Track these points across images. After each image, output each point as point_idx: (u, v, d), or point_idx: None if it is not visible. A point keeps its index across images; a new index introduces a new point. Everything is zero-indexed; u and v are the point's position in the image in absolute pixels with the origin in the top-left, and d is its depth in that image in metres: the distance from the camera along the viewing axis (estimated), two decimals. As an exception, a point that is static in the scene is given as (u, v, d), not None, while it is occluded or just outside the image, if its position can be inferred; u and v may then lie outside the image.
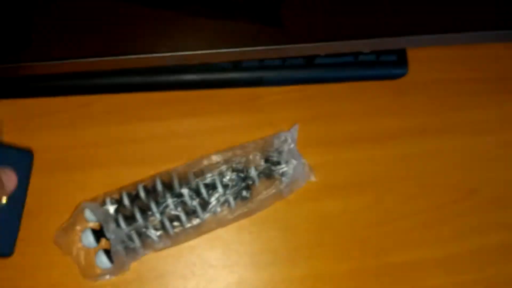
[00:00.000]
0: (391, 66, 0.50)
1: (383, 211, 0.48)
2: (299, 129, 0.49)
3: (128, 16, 0.38)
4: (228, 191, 0.44)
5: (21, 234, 0.42)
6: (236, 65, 0.48)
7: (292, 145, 0.45)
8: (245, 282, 0.45)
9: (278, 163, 0.45)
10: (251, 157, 0.45)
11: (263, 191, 0.45)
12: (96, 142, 0.47)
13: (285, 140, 0.45)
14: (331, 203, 0.48)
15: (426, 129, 0.51)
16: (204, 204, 0.43)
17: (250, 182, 0.44)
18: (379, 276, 0.46)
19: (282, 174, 0.45)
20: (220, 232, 0.45)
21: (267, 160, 0.45)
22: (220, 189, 0.43)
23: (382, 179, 0.49)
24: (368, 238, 0.47)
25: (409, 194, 0.49)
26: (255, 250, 0.46)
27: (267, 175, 0.45)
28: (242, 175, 0.44)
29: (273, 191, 0.45)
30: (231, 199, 0.44)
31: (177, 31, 0.41)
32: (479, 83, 0.53)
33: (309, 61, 0.49)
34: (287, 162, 0.45)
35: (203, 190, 0.43)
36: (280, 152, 0.45)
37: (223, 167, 0.44)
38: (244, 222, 0.46)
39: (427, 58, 0.52)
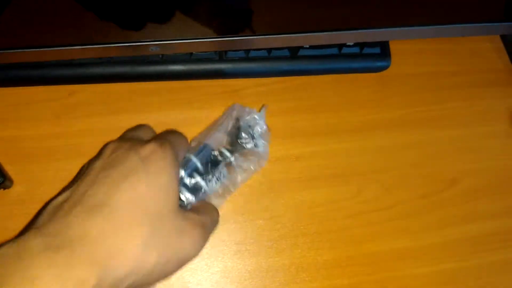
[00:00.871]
0: (375, 58, 0.51)
1: (365, 201, 0.48)
2: (284, 120, 0.49)
3: (110, 4, 0.39)
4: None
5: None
6: (221, 56, 0.49)
7: (263, 126, 0.45)
8: (230, 271, 0.45)
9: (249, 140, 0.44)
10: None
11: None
12: (80, 132, 0.47)
13: (255, 120, 0.45)
14: (314, 193, 0.48)
15: (408, 121, 0.51)
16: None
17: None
18: (362, 265, 0.47)
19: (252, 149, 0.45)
20: (205, 221, 0.46)
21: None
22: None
23: (365, 170, 0.49)
24: (351, 228, 0.48)
25: (391, 184, 0.49)
26: (240, 239, 0.46)
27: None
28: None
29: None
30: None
31: (161, 19, 0.41)
32: (459, 76, 0.54)
33: (293, 53, 0.50)
34: (256, 141, 0.44)
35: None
36: (250, 131, 0.45)
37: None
38: (229, 212, 0.46)
39: (409, 52, 0.53)
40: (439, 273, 0.47)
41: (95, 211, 0.30)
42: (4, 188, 0.44)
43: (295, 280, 0.45)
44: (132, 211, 0.31)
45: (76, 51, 0.42)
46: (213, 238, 0.45)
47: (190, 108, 0.49)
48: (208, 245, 0.45)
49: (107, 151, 0.35)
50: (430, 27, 0.45)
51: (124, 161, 0.33)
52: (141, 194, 0.32)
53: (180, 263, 0.34)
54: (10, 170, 0.45)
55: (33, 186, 0.45)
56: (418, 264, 0.47)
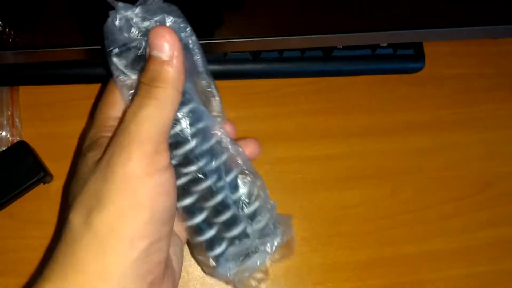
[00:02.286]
0: (408, 60, 0.51)
1: (399, 202, 0.48)
2: (317, 120, 0.49)
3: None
4: None
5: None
6: (255, 56, 0.49)
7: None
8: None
9: None
10: None
11: None
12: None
13: None
14: (348, 193, 0.48)
15: (442, 123, 0.51)
16: None
17: None
18: (396, 266, 0.46)
19: None
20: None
21: None
22: None
23: (398, 172, 0.49)
24: (385, 229, 0.47)
25: (425, 186, 0.49)
26: (273, 237, 0.46)
27: None
28: None
29: None
30: None
31: (196, 18, 0.41)
32: (494, 78, 0.53)
33: (327, 54, 0.50)
34: None
35: None
36: None
37: None
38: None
39: (443, 53, 0.53)
40: (473, 276, 0.47)
41: None
42: (44, 183, 0.45)
43: (328, 279, 0.45)
44: None
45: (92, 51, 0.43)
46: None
47: (224, 108, 0.50)
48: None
49: None
50: (464, 28, 0.45)
51: None
52: None
53: None
54: (49, 165, 0.46)
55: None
56: (453, 266, 0.47)
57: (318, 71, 0.50)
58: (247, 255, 0.35)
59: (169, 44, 0.30)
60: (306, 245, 0.46)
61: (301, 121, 0.50)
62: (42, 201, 0.45)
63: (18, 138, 0.46)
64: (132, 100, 0.31)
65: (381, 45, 0.50)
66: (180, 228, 0.36)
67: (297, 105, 0.50)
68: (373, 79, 0.52)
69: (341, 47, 0.50)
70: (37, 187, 0.45)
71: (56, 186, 0.46)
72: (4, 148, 0.45)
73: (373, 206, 0.48)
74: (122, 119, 0.30)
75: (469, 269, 0.47)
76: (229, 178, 0.35)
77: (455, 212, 0.48)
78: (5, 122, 0.47)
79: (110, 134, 0.33)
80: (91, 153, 0.32)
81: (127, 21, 0.31)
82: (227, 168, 0.35)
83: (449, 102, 0.52)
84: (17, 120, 0.47)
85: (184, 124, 0.32)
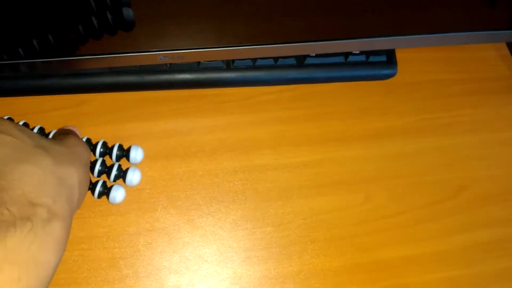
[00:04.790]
0: (381, 66, 0.51)
1: (373, 208, 0.48)
2: (291, 127, 0.50)
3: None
4: None
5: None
6: (228, 65, 0.49)
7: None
8: (240, 277, 0.45)
9: None
10: None
11: None
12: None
13: None
14: (322, 200, 0.48)
15: (415, 128, 0.51)
16: None
17: None
18: (371, 271, 0.46)
19: None
20: (215, 228, 0.46)
21: None
22: None
23: (372, 178, 0.49)
24: (359, 235, 0.47)
25: (399, 192, 0.49)
26: (249, 246, 0.46)
27: None
28: None
29: None
30: None
31: (170, 29, 0.41)
32: (466, 83, 0.54)
33: (300, 61, 0.50)
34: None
35: None
36: None
37: None
38: (238, 218, 0.46)
39: (416, 59, 0.54)
40: (448, 280, 0.47)
41: None
42: None
43: (304, 287, 0.45)
44: None
45: (86, 61, 0.43)
46: (222, 245, 0.46)
47: (197, 116, 0.50)
48: (217, 252, 0.45)
49: None
50: (436, 35, 0.45)
51: None
52: None
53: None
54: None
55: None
56: (427, 271, 0.47)
57: (292, 79, 0.51)
58: None
59: None
60: (282, 254, 0.46)
61: (275, 128, 0.50)
62: None
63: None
64: None
65: (353, 52, 0.51)
66: None
67: (271, 113, 0.50)
68: (347, 86, 0.52)
69: (314, 54, 0.50)
70: None
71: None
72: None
73: (347, 212, 0.48)
74: None
75: (445, 273, 0.47)
76: None
77: (430, 216, 0.49)
78: None
79: None
80: None
81: None
82: None
83: (422, 107, 0.52)
84: None
85: None
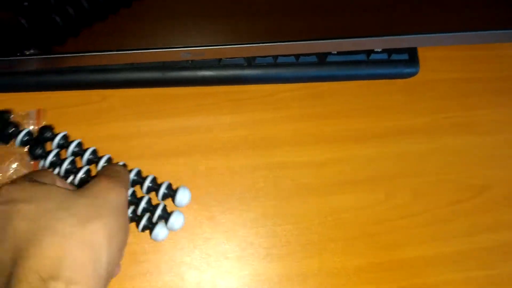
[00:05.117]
0: (402, 65, 0.51)
1: (393, 207, 0.48)
2: (312, 125, 0.49)
3: (142, 11, 0.39)
4: None
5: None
6: (250, 62, 0.49)
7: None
8: (260, 274, 0.45)
9: None
10: None
11: None
12: (111, 136, 0.48)
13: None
14: (342, 199, 0.48)
15: (436, 127, 0.51)
16: None
17: None
18: (390, 270, 0.46)
19: None
20: (236, 225, 0.46)
21: None
22: None
23: (393, 176, 0.49)
24: (379, 234, 0.47)
25: (420, 191, 0.49)
26: (269, 243, 0.46)
27: None
28: None
29: None
30: None
31: (192, 25, 0.41)
32: (488, 82, 0.53)
33: (321, 59, 0.50)
34: None
35: None
36: None
37: None
38: (258, 216, 0.46)
39: (438, 58, 0.53)
40: (467, 280, 0.47)
41: None
42: None
43: (324, 285, 0.45)
44: None
45: (109, 56, 0.43)
46: (243, 241, 0.46)
47: (217, 113, 0.50)
48: (237, 248, 0.45)
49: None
50: (459, 33, 0.45)
51: None
52: None
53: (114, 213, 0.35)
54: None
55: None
56: (447, 271, 0.47)
57: (313, 76, 0.51)
58: None
59: None
60: (302, 252, 0.46)
61: (295, 126, 0.50)
62: None
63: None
64: None
65: (375, 50, 0.50)
66: None
67: (291, 110, 0.50)
68: (368, 84, 0.52)
69: (335, 52, 0.50)
70: None
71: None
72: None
73: (367, 211, 0.48)
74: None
75: (465, 273, 0.47)
76: None
77: (450, 216, 0.49)
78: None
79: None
80: None
81: None
82: None
83: (444, 106, 0.52)
84: None
85: None
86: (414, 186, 0.49)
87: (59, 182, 0.39)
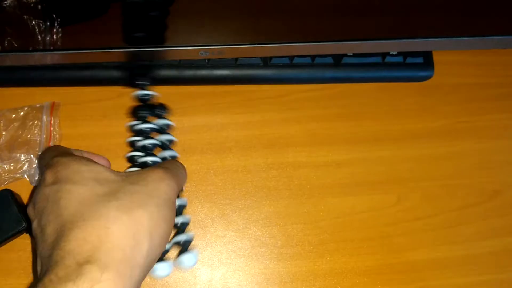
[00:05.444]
0: (418, 68, 0.51)
1: (406, 210, 0.48)
2: (326, 126, 0.50)
3: (160, 9, 0.40)
4: None
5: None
6: (266, 62, 0.49)
7: None
8: (271, 273, 0.45)
9: None
10: None
11: None
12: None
13: None
14: (354, 200, 0.48)
15: (450, 131, 0.51)
16: None
17: None
18: (401, 273, 0.47)
19: None
20: (248, 223, 0.46)
21: None
22: None
23: (406, 179, 0.49)
24: (391, 236, 0.48)
25: (433, 194, 0.49)
26: (281, 242, 0.46)
27: None
28: None
29: None
30: None
31: (211, 25, 0.42)
32: (502, 87, 0.53)
33: (337, 60, 0.50)
34: None
35: None
36: None
37: None
38: (270, 215, 0.47)
39: (453, 62, 0.53)
40: (478, 284, 0.47)
41: None
42: (27, 232, 0.44)
43: (335, 285, 0.46)
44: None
45: (126, 53, 0.43)
46: (254, 240, 0.46)
47: (233, 112, 0.50)
48: (249, 246, 0.46)
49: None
50: (475, 38, 0.45)
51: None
52: None
53: (162, 205, 0.34)
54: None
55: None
56: (458, 274, 0.47)
57: (328, 78, 0.51)
58: None
59: None
60: (313, 251, 0.46)
61: (310, 127, 0.50)
62: (23, 252, 0.45)
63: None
64: None
65: (391, 53, 0.50)
66: None
67: (306, 111, 0.51)
68: (383, 86, 0.52)
69: (351, 54, 0.50)
70: (21, 237, 0.44)
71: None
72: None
73: (380, 212, 0.48)
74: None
75: (475, 277, 0.47)
76: None
77: (462, 220, 0.49)
78: (37, 149, 0.47)
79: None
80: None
81: None
82: None
83: (458, 110, 0.52)
84: (52, 143, 0.47)
85: None
86: (426, 189, 0.49)
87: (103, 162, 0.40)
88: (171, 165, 0.38)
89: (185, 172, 0.41)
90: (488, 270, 0.48)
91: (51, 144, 0.47)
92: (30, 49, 0.41)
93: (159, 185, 0.34)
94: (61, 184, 0.32)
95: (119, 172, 0.36)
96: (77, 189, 0.32)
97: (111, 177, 0.34)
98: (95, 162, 0.36)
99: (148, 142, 0.44)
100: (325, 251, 0.47)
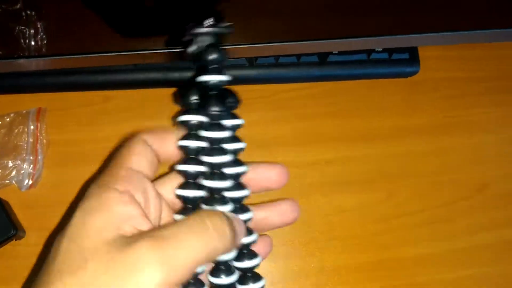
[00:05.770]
0: (403, 64, 0.51)
1: (394, 206, 0.49)
2: (313, 125, 0.50)
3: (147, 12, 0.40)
4: None
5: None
6: (251, 62, 0.49)
7: None
8: (262, 272, 0.45)
9: None
10: None
11: None
12: (113, 137, 0.48)
13: None
14: (344, 198, 0.49)
15: (437, 126, 0.51)
16: None
17: None
18: (392, 269, 0.47)
19: None
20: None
21: None
22: None
23: (394, 175, 0.50)
24: (381, 233, 0.48)
25: (420, 190, 0.49)
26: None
27: None
28: None
29: None
30: None
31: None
32: (488, 82, 0.54)
33: (322, 59, 0.50)
34: None
35: None
36: None
37: None
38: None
39: (438, 57, 0.53)
40: (468, 278, 0.47)
41: None
42: (17, 239, 0.45)
43: (326, 283, 0.46)
44: None
45: (111, 57, 0.43)
46: (245, 241, 0.46)
47: (220, 113, 0.50)
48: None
49: None
50: (459, 32, 0.45)
51: None
52: None
53: None
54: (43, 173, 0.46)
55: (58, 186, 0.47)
56: (448, 269, 0.47)
57: (314, 76, 0.51)
58: None
59: None
60: (303, 250, 0.46)
61: (297, 126, 0.50)
62: (13, 259, 0.45)
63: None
64: None
65: (376, 49, 0.51)
66: None
67: (293, 110, 0.51)
68: (369, 83, 0.52)
69: (336, 52, 0.50)
70: (10, 244, 0.44)
71: (31, 241, 0.45)
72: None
73: (369, 210, 0.48)
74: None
75: (464, 271, 0.48)
76: None
77: (452, 215, 0.49)
78: (24, 155, 0.47)
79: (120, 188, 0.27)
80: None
81: None
82: None
83: (444, 105, 0.52)
84: (39, 149, 0.47)
85: None
86: (415, 185, 0.50)
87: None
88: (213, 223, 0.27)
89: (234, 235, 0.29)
90: (478, 264, 0.48)
91: (38, 149, 0.47)
92: (15, 56, 0.41)
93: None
94: None
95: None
96: None
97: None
98: None
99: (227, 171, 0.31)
100: (315, 249, 0.47)
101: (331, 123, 0.51)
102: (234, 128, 0.32)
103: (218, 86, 0.32)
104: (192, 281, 0.29)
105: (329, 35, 0.44)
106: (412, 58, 0.51)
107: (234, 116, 0.33)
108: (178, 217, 0.30)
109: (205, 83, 0.31)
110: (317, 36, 0.44)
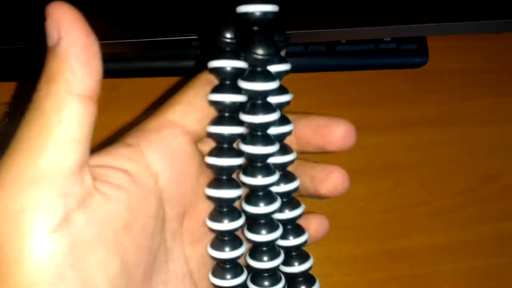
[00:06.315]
0: (412, 54, 0.51)
1: (402, 196, 0.49)
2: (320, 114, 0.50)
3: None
4: None
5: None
6: (258, 52, 0.49)
7: None
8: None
9: None
10: None
11: None
12: (120, 125, 0.48)
13: None
14: (351, 187, 0.48)
15: (445, 117, 0.51)
16: None
17: None
18: (398, 259, 0.47)
19: None
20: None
21: None
22: None
23: (402, 166, 0.49)
24: (387, 222, 0.48)
25: (428, 180, 0.49)
26: (277, 231, 0.46)
27: None
28: None
29: None
30: None
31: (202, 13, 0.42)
32: (498, 73, 0.53)
33: (330, 48, 0.50)
34: None
35: None
36: None
37: None
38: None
39: (447, 48, 0.53)
40: (475, 269, 0.47)
41: None
42: None
43: (332, 273, 0.46)
44: None
45: (119, 45, 0.43)
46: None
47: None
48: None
49: None
50: (469, 22, 0.45)
51: None
52: None
53: None
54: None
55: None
56: (455, 260, 0.47)
57: (322, 66, 0.51)
58: None
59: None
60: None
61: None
62: None
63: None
64: None
65: (384, 39, 0.50)
66: None
67: (300, 100, 0.50)
68: (377, 73, 0.52)
69: (344, 41, 0.50)
70: None
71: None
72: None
73: (375, 199, 0.48)
74: None
75: (471, 262, 0.47)
76: None
77: (458, 206, 0.49)
78: None
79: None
80: None
81: None
82: None
83: (453, 96, 0.52)
84: None
85: None
86: (422, 175, 0.49)
87: None
88: None
89: None
90: (484, 255, 0.48)
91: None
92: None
93: None
94: None
95: None
96: None
97: None
98: None
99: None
100: (322, 239, 0.47)
101: (337, 113, 0.49)
102: (281, 76, 0.27)
103: (263, 20, 0.24)
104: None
105: (337, 24, 0.44)
106: (420, 48, 0.51)
107: (282, 60, 0.27)
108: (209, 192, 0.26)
109: (246, 15, 0.24)
110: (325, 25, 0.44)
